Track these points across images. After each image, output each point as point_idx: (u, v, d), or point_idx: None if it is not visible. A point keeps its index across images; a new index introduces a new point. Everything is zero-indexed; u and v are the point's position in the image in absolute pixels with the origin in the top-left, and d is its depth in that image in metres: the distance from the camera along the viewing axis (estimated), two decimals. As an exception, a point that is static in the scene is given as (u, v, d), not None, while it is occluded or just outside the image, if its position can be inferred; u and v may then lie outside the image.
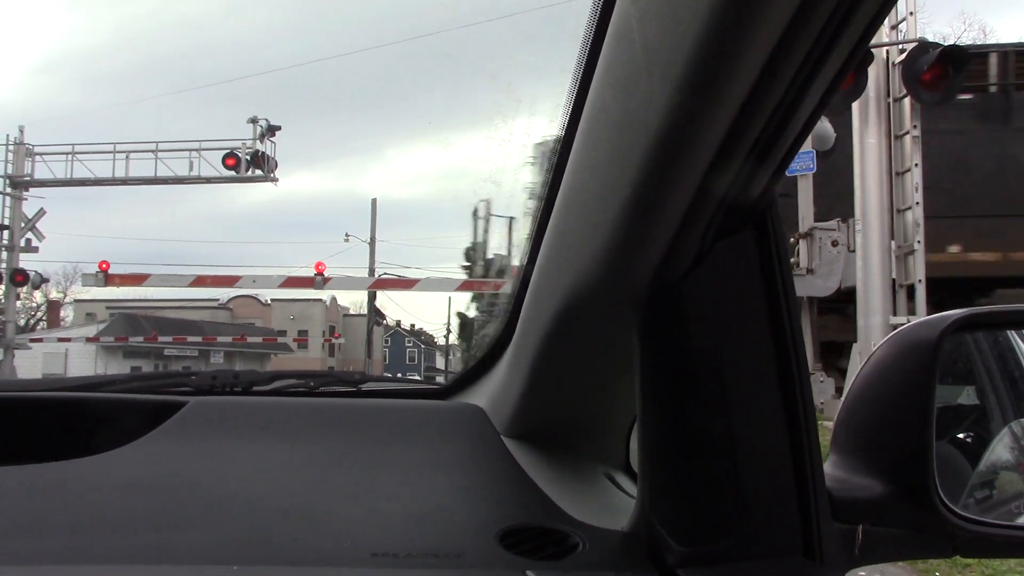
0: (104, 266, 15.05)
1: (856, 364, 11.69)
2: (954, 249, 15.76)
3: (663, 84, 0.89)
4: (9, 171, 20.09)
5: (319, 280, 14.55)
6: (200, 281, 15.13)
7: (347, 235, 33.27)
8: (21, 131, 20.45)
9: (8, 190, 20.31)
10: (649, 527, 1.19)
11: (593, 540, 1.25)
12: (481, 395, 1.74)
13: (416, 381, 2.01)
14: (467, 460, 1.55)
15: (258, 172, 19.01)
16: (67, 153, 20.08)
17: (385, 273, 17.15)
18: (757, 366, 1.11)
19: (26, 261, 21.04)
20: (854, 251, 12.82)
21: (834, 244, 13.66)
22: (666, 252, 1.05)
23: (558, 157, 1.24)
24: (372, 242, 28.37)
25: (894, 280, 12.09)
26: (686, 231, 1.03)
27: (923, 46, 11.37)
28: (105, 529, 1.24)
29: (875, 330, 11.70)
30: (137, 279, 15.16)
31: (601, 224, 1.07)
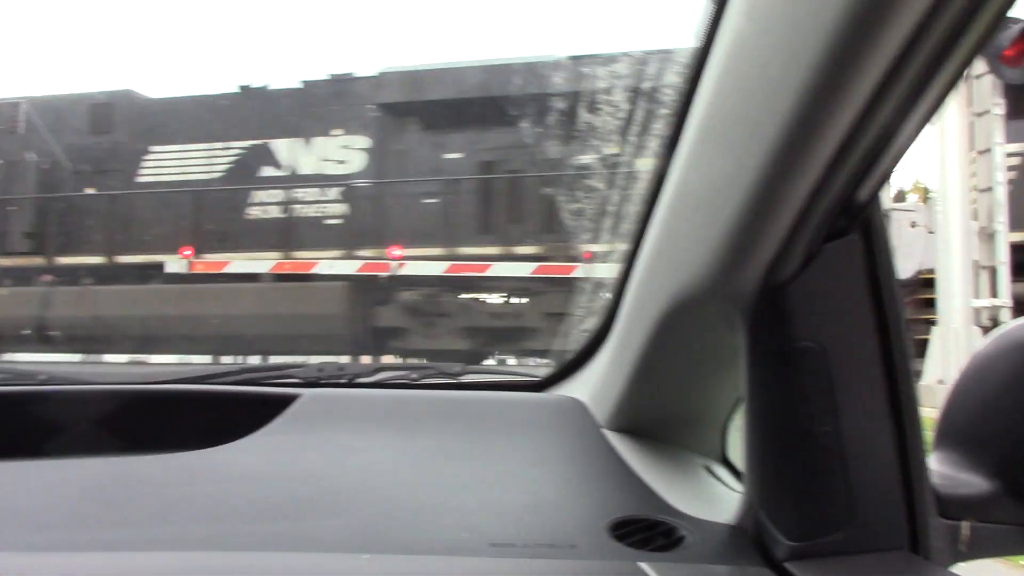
0: (187, 252, 15.41)
1: (936, 347, 11.48)
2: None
3: (783, 89, 0.92)
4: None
5: (395, 265, 14.72)
6: (280, 267, 15.40)
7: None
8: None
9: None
10: (756, 520, 1.22)
11: (700, 532, 1.28)
12: (579, 388, 1.78)
13: (513, 372, 2.05)
14: (571, 453, 1.59)
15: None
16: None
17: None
18: (864, 365, 1.14)
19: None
20: (934, 232, 12.57)
21: (913, 225, 13.38)
22: (776, 254, 1.09)
23: (666, 150, 1.26)
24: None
25: (975, 262, 11.83)
26: (797, 233, 1.06)
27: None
28: (239, 517, 1.32)
29: (956, 312, 11.48)
30: (218, 265, 15.48)
31: (713, 225, 1.11)
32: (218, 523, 1.30)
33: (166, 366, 14.59)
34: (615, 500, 1.40)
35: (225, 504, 1.36)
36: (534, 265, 14.86)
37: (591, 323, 1.78)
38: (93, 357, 16.75)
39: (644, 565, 1.18)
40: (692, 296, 1.23)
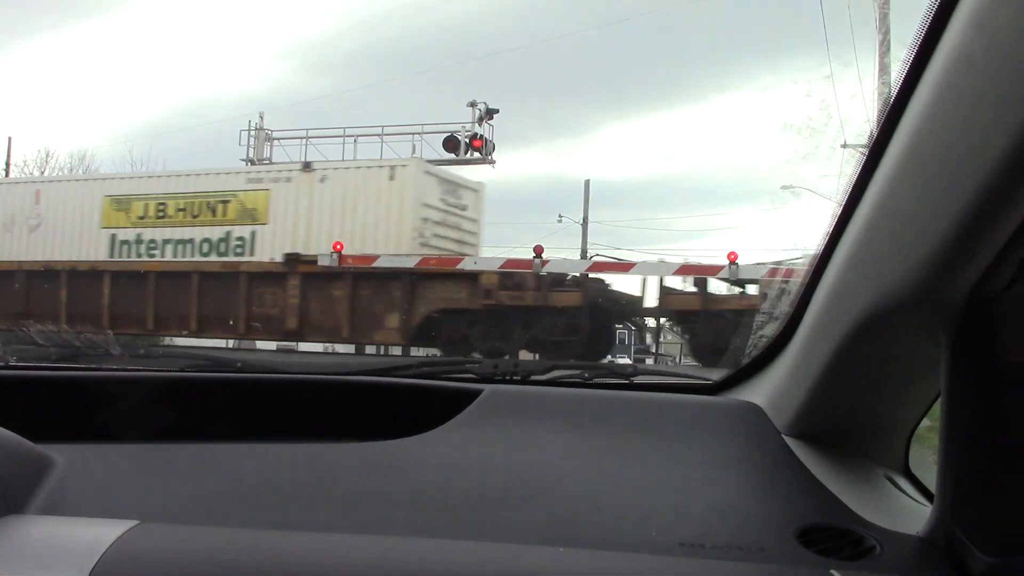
0: (338, 247, 15.87)
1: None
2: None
3: (1013, 99, 0.89)
4: (251, 155, 21.47)
5: (538, 263, 14.81)
6: (424, 262, 15.71)
7: (560, 216, 33.64)
8: (261, 117, 21.91)
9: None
10: (948, 534, 1.21)
11: (889, 543, 1.28)
12: (755, 393, 1.77)
13: (685, 375, 2.06)
14: (751, 457, 1.60)
15: (476, 155, 19.59)
16: (301, 138, 21.33)
17: (597, 255, 17.40)
18: None
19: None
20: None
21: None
22: (986, 268, 1.06)
23: (868, 161, 1.21)
24: (585, 223, 28.65)
25: None
26: (1011, 247, 1.03)
27: None
28: (438, 506, 1.38)
29: None
30: (367, 259, 15.88)
31: (922, 237, 1.08)
32: (419, 510, 1.37)
33: (315, 355, 15.04)
34: (801, 507, 1.40)
35: (424, 493, 1.43)
36: (677, 266, 14.81)
37: (768, 329, 1.77)
38: (247, 344, 17.54)
39: (836, 573, 1.19)
40: (892, 307, 1.21)
